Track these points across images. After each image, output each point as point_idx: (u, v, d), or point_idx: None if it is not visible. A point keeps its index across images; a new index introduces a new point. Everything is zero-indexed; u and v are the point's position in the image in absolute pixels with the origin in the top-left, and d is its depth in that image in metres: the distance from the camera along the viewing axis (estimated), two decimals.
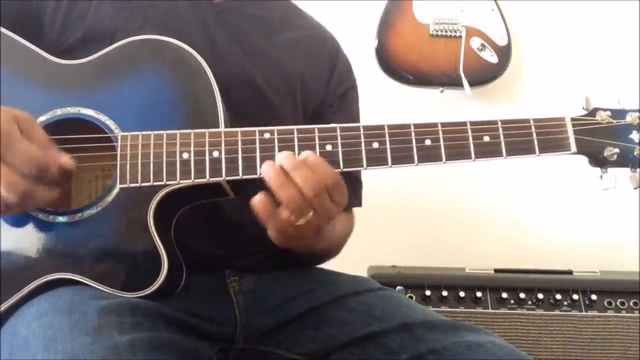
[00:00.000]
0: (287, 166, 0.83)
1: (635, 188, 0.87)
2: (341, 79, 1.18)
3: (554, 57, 2.04)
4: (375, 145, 0.87)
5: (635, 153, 0.87)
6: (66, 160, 0.84)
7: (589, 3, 2.02)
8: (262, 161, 0.86)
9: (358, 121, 1.20)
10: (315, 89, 1.13)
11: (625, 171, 0.88)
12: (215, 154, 0.86)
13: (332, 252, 1.12)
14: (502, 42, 1.94)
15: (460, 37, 1.92)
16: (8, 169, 0.78)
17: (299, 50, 1.14)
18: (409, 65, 1.94)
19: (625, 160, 0.87)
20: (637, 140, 0.87)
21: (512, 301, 1.62)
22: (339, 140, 0.87)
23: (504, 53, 1.94)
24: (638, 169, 0.87)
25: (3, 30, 0.95)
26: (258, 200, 0.84)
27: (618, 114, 0.88)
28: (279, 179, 0.83)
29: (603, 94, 0.90)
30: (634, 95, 0.92)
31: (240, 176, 0.86)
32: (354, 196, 1.17)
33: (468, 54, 1.91)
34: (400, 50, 1.94)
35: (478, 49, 1.92)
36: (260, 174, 0.85)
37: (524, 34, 2.02)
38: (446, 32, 1.92)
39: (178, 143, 0.87)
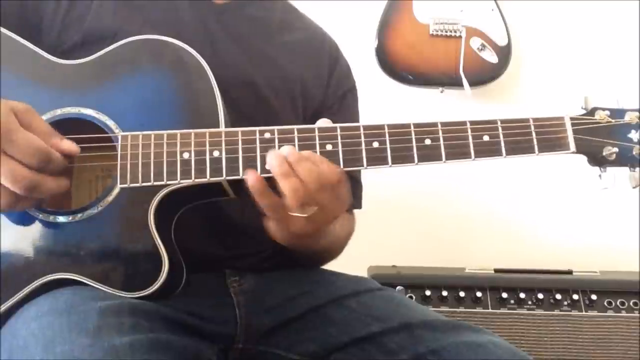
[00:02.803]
0: (291, 158, 0.83)
1: (634, 187, 0.87)
2: (340, 82, 1.18)
3: (553, 57, 2.04)
4: (376, 144, 0.87)
5: (634, 152, 0.87)
6: (69, 145, 0.84)
7: (588, 3, 2.02)
8: (262, 161, 0.86)
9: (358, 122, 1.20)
10: (315, 92, 1.13)
11: (625, 170, 0.88)
12: (216, 153, 0.86)
13: (332, 252, 1.12)
14: (502, 42, 1.94)
15: (460, 37, 1.92)
16: (11, 161, 0.77)
17: (299, 52, 1.14)
18: (409, 65, 1.94)
19: (624, 159, 0.87)
20: (635, 140, 0.87)
21: (512, 301, 1.62)
22: (339, 140, 0.87)
23: (504, 53, 1.94)
24: (637, 168, 0.87)
25: (3, 30, 0.95)
26: (252, 179, 0.83)
27: (617, 113, 0.88)
28: (283, 167, 0.82)
29: (602, 94, 0.90)
30: (634, 95, 0.92)
31: (240, 176, 0.86)
32: (354, 198, 1.17)
33: (468, 54, 1.91)
34: (400, 50, 1.94)
35: (478, 49, 1.92)
36: (265, 166, 0.84)
37: (524, 34, 2.02)
38: (446, 32, 1.92)
39: (178, 143, 0.87)
